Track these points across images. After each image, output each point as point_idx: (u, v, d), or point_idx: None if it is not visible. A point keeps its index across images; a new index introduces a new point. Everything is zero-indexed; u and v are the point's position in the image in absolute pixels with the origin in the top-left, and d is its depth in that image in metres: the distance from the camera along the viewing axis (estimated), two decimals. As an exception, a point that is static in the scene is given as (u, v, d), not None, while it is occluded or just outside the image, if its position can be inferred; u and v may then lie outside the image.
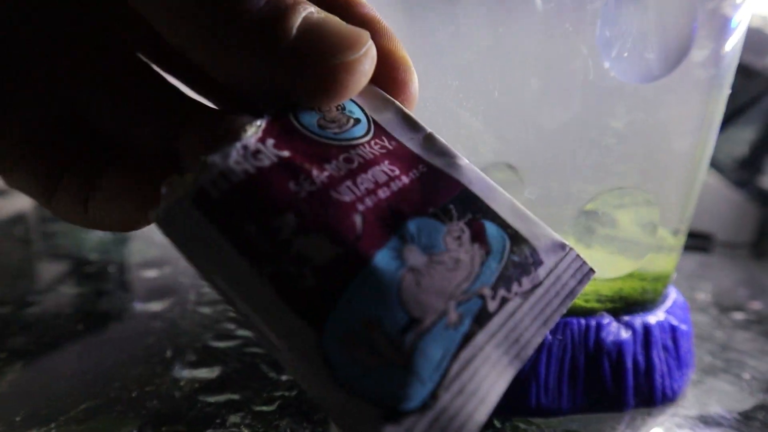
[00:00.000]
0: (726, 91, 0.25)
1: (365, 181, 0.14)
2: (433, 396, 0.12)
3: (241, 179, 0.14)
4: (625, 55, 0.22)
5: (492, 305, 0.13)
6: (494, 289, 0.13)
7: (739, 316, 0.34)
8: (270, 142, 0.14)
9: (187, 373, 0.26)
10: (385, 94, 0.17)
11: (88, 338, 0.31)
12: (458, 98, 0.23)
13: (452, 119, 0.23)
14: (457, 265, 0.13)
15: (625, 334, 0.25)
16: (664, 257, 0.27)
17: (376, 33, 0.16)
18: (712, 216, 0.51)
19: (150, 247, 0.44)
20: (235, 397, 0.25)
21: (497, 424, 0.24)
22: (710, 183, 0.58)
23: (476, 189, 0.15)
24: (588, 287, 0.26)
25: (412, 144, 0.16)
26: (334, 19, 0.15)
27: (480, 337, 0.13)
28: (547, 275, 0.14)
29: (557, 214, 0.25)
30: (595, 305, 0.26)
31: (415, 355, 0.12)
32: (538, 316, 0.14)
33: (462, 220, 0.14)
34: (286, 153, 0.14)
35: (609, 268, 0.26)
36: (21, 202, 0.55)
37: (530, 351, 0.13)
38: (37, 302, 0.35)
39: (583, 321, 0.25)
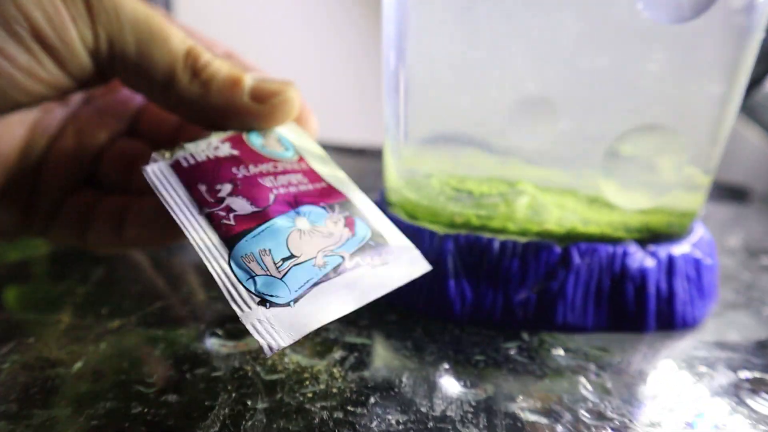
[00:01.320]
0: (758, 37, 0.26)
1: (282, 179, 0.22)
2: (295, 301, 0.18)
3: (202, 159, 0.22)
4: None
5: (348, 264, 0.20)
6: (352, 255, 0.21)
7: (766, 260, 0.36)
8: (227, 144, 0.23)
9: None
10: (311, 140, 0.26)
11: (154, 252, 0.34)
12: (504, 38, 0.25)
13: (499, 57, 0.25)
14: (330, 235, 0.21)
15: (649, 263, 0.27)
16: (691, 194, 0.28)
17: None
18: (752, 171, 0.52)
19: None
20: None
21: (525, 337, 0.26)
22: (752, 140, 0.58)
23: (356, 201, 0.23)
24: (616, 218, 0.28)
25: (321, 170, 0.24)
26: (268, 78, 0.24)
27: (336, 280, 0.20)
28: (395, 261, 0.22)
29: (590, 148, 0.27)
30: (623, 234, 0.28)
31: (288, 274, 0.19)
32: (382, 282, 0.21)
33: (341, 213, 0.22)
34: (236, 152, 0.23)
35: (636, 200, 0.27)
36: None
37: (369, 298, 0.20)
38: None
39: (610, 248, 0.27)
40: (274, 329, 0.18)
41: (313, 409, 0.21)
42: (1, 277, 0.31)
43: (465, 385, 0.23)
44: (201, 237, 0.20)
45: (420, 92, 0.28)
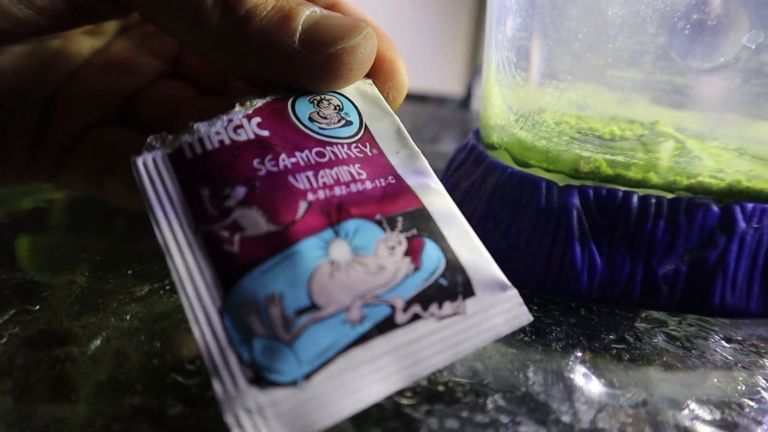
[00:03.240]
0: None
1: (326, 176, 0.16)
2: (307, 378, 0.13)
3: (214, 147, 0.16)
4: None
5: (401, 317, 0.14)
6: (408, 303, 0.14)
7: None
8: (255, 120, 0.16)
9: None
10: (387, 107, 0.18)
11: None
12: None
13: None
14: (379, 271, 0.14)
15: (835, 230, 0.21)
16: None
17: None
18: None
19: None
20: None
21: (671, 322, 0.20)
22: None
23: (434, 211, 0.16)
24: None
25: (393, 157, 0.17)
26: (335, 14, 0.17)
27: (377, 342, 0.13)
28: (476, 309, 0.15)
29: (764, 84, 0.20)
30: (798, 193, 0.21)
31: (303, 336, 0.13)
32: (449, 344, 0.14)
33: (404, 233, 0.15)
34: (265, 133, 0.16)
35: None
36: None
37: (425, 372, 0.14)
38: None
39: (784, 210, 0.20)
40: (267, 425, 0.12)
41: (415, 414, 0.15)
42: (12, 226, 0.26)
43: (611, 385, 0.17)
44: (189, 269, 0.14)
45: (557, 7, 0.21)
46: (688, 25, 0.19)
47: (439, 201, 0.16)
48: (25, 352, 0.17)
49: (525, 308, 0.15)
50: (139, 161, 0.15)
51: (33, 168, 0.21)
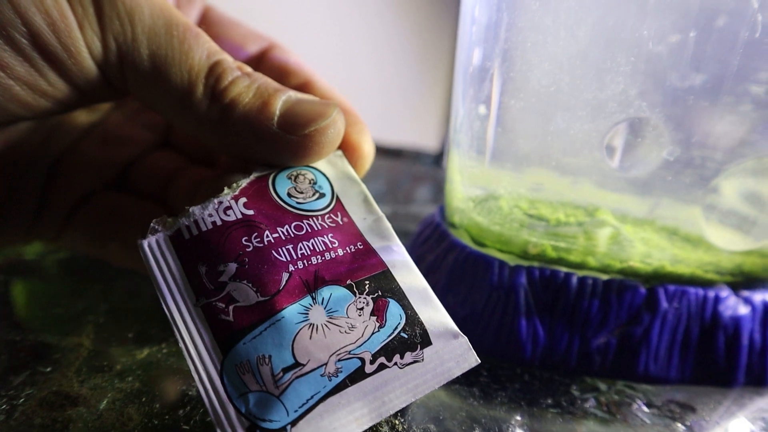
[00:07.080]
0: None
1: (304, 247, 0.18)
2: (293, 424, 0.15)
3: (208, 228, 0.18)
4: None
5: (369, 368, 0.16)
6: (375, 356, 0.17)
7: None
8: (242, 201, 0.19)
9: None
10: (355, 176, 0.21)
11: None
12: (612, 49, 0.22)
13: (606, 71, 0.22)
14: (350, 329, 0.17)
15: (743, 310, 0.24)
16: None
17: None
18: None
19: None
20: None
21: (602, 386, 0.24)
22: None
23: (396, 272, 0.18)
24: (707, 258, 0.25)
25: (361, 223, 0.20)
26: (308, 97, 0.20)
27: (350, 390, 0.16)
28: (432, 356, 0.17)
29: (688, 178, 0.24)
30: (714, 276, 0.25)
31: (289, 389, 0.15)
32: (410, 387, 0.16)
33: (371, 295, 0.18)
34: (250, 212, 0.19)
35: (735, 241, 0.25)
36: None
37: (391, 411, 0.16)
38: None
39: (701, 291, 0.24)
40: None
41: (376, 473, 0.18)
42: (11, 272, 0.28)
43: (544, 447, 0.20)
44: (192, 337, 0.16)
45: (510, 104, 0.24)
46: (618, 140, 0.23)
47: (400, 260, 0.19)
48: (42, 412, 0.19)
49: (473, 352, 0.18)
50: (145, 243, 0.18)
51: (38, 229, 0.24)
